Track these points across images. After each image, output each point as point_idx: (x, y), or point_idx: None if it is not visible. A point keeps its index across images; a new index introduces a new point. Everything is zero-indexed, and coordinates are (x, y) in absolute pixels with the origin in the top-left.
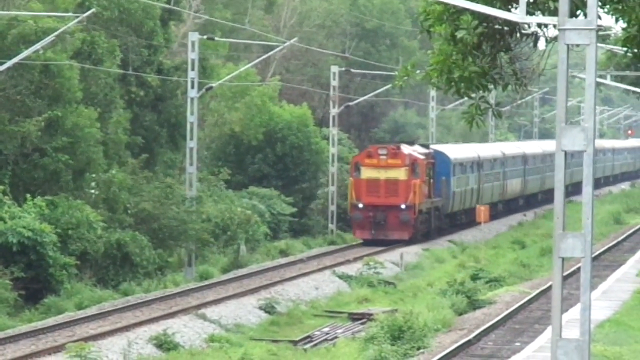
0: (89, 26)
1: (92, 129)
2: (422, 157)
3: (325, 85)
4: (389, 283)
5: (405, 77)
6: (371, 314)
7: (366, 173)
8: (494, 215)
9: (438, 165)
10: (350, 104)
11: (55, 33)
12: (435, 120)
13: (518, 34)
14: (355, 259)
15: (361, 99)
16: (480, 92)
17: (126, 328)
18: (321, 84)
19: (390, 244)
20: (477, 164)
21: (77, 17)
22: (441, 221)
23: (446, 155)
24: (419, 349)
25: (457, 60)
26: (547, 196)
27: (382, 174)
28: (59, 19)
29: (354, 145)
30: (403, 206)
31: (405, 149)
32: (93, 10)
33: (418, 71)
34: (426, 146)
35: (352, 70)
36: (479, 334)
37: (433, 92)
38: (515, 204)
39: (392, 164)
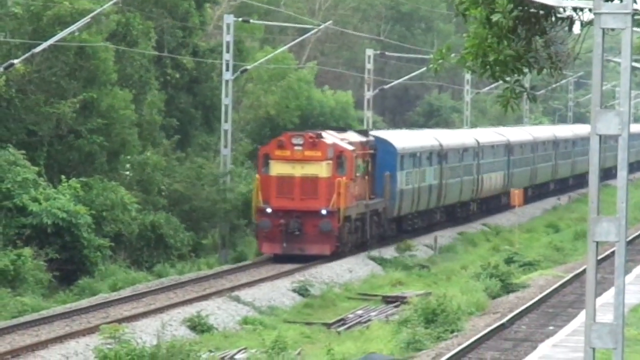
0: (124, 8)
1: (127, 111)
2: (351, 147)
3: (360, 69)
4: (422, 266)
5: (440, 61)
6: (405, 297)
7: (276, 168)
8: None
9: (380, 157)
10: (385, 87)
11: (91, 15)
12: (470, 104)
13: (553, 18)
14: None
15: (396, 82)
16: (515, 75)
17: (160, 310)
18: (356, 67)
19: (308, 260)
20: (439, 155)
21: None
22: (382, 228)
23: (391, 145)
24: (452, 332)
25: (492, 44)
26: (536, 192)
27: (297, 170)
28: (94, 0)
29: (389, 128)
30: (324, 211)
31: (329, 137)
32: None
33: (453, 54)
34: (364, 133)
35: (387, 53)
36: (513, 317)
37: (468, 76)
38: (497, 202)
39: (310, 156)
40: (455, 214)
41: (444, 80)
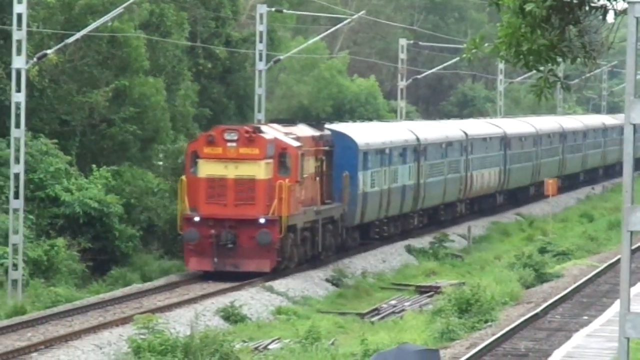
0: None
1: (158, 97)
2: (297, 143)
3: (393, 58)
4: (456, 256)
5: (474, 50)
6: (438, 287)
7: (206, 169)
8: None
9: (338, 155)
10: (419, 76)
11: (124, 5)
12: (503, 94)
13: (587, 7)
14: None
15: (429, 71)
16: (549, 65)
17: (193, 300)
18: (389, 57)
19: (245, 278)
20: (415, 151)
21: None
22: (340, 238)
23: (351, 140)
24: (486, 322)
25: (526, 33)
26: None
27: (231, 171)
28: None
29: (422, 118)
30: (262, 220)
31: (271, 131)
32: None
33: (486, 44)
34: (318, 126)
35: (420, 43)
36: (547, 307)
37: (501, 65)
38: (493, 200)
39: (245, 154)
40: (437, 218)
41: (478, 69)
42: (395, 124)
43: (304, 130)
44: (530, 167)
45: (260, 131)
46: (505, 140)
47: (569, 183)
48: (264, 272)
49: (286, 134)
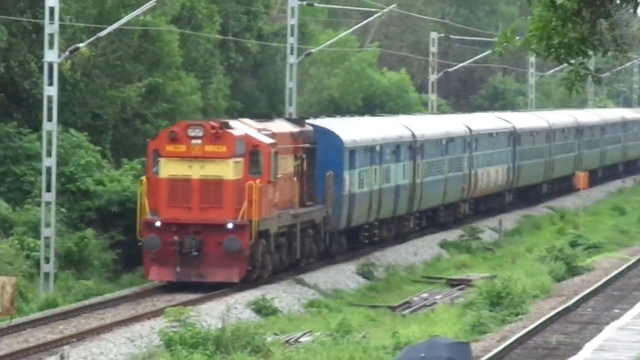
0: None
1: (193, 97)
2: (270, 140)
3: (424, 52)
4: (487, 249)
5: (505, 44)
6: (470, 280)
7: (168, 169)
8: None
9: (322, 153)
10: (449, 70)
11: None
12: (534, 87)
13: (618, 0)
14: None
15: (460, 65)
16: (580, 58)
17: (225, 293)
18: (420, 50)
19: (212, 290)
20: (410, 148)
21: None
22: (323, 244)
23: (336, 136)
24: (517, 315)
25: (557, 27)
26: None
27: (195, 171)
28: None
29: (453, 111)
30: (230, 225)
31: (241, 127)
32: None
33: (517, 37)
34: (298, 121)
35: (451, 36)
36: (578, 300)
37: (532, 59)
38: (501, 200)
39: (212, 153)
40: (437, 219)
41: (509, 63)
42: (388, 118)
43: (281, 125)
44: (543, 164)
45: (228, 127)
46: (514, 136)
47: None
48: (232, 282)
49: (259, 130)
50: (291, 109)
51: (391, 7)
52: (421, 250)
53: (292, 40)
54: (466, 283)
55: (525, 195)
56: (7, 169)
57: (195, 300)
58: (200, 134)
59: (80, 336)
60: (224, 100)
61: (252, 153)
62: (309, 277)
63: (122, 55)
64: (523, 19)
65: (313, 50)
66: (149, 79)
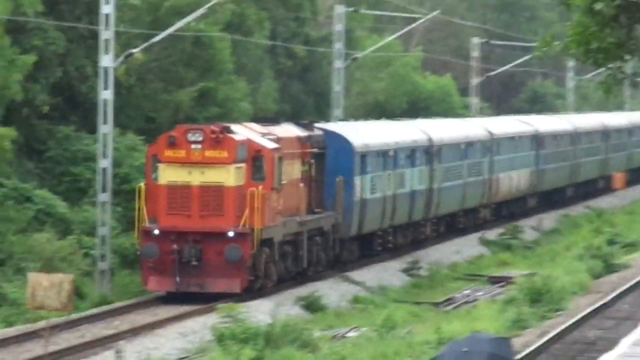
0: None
1: (244, 103)
2: (274, 145)
3: (466, 56)
4: (527, 247)
5: (545, 48)
6: (510, 278)
7: (167, 175)
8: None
9: (331, 158)
10: (491, 74)
11: (207, 5)
12: (573, 90)
13: None
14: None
15: (501, 69)
16: (617, 62)
17: (275, 290)
18: (462, 55)
19: (213, 300)
20: (427, 153)
21: None
22: (332, 251)
23: (346, 141)
24: (556, 311)
25: (595, 32)
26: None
27: (196, 177)
28: None
29: (494, 114)
30: (231, 233)
31: (244, 131)
32: None
33: (557, 42)
34: (307, 126)
35: (492, 41)
36: (615, 297)
37: (571, 63)
38: (523, 204)
39: (212, 158)
40: (455, 225)
41: (548, 67)
42: (404, 123)
43: (288, 130)
44: (568, 167)
45: (230, 131)
46: (537, 139)
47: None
48: (233, 292)
49: (263, 134)
50: (338, 112)
51: (434, 13)
52: (463, 248)
53: (338, 45)
54: (507, 280)
55: (549, 199)
56: (65, 169)
57: (245, 298)
58: (200, 138)
59: (135, 331)
60: (273, 104)
61: (255, 158)
62: (355, 275)
63: (175, 60)
64: (562, 24)
65: (359, 55)
66: (201, 83)
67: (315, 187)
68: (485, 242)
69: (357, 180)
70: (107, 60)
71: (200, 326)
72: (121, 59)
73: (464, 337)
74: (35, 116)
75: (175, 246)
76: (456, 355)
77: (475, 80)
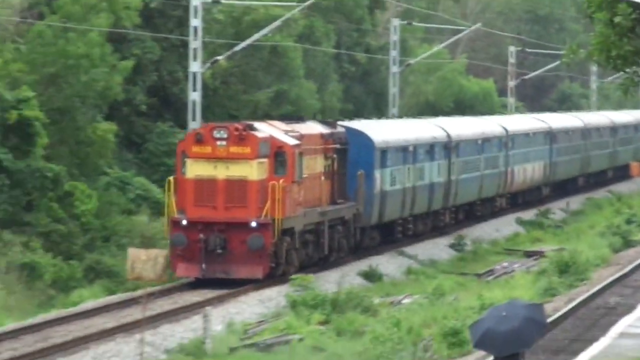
0: (309, 13)
1: (312, 101)
2: (296, 141)
3: (504, 62)
4: (557, 226)
5: (572, 55)
6: (542, 252)
7: (194, 169)
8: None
9: (353, 153)
10: (525, 77)
11: (282, 19)
12: (596, 91)
13: None
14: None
15: (534, 73)
16: (634, 67)
17: (340, 262)
18: (501, 61)
19: (238, 285)
20: (445, 148)
21: (300, 5)
22: (354, 239)
23: (367, 137)
24: (582, 280)
25: (615, 41)
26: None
27: (221, 171)
28: (284, 7)
29: (528, 112)
30: (253, 224)
31: (267, 128)
32: (313, 0)
33: (582, 50)
34: (330, 124)
35: (527, 49)
36: (633, 268)
37: (594, 68)
38: (538, 193)
39: (236, 154)
40: (473, 213)
41: (574, 71)
42: (424, 120)
43: (310, 127)
44: (579, 160)
45: (253, 129)
46: (550, 135)
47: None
48: (256, 278)
49: (286, 131)
50: (394, 110)
51: (477, 26)
52: (502, 227)
53: (394, 53)
54: (539, 254)
55: (563, 188)
56: (160, 160)
57: (315, 269)
58: (225, 135)
59: (220, 299)
60: (337, 103)
61: (277, 154)
62: (409, 249)
63: (254, 66)
64: (586, 35)
65: (412, 62)
66: (276, 86)
67: (338, 180)
68: (520, 222)
69: (377, 174)
70: (195, 66)
71: (276, 294)
72: (208, 65)
73: (503, 303)
74: (134, 114)
75: (201, 235)
76: (496, 319)
77: (511, 83)
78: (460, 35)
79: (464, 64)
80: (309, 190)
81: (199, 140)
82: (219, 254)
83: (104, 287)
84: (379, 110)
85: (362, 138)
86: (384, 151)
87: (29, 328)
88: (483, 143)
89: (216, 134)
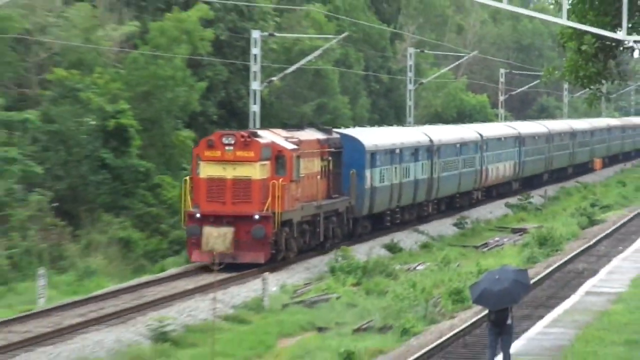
0: (344, 44)
1: (346, 111)
2: (293, 146)
3: (496, 81)
4: (537, 209)
5: (549, 76)
6: (526, 229)
7: (206, 170)
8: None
9: (347, 156)
10: (512, 93)
11: (322, 48)
12: (567, 104)
13: (621, 48)
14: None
15: (519, 90)
16: (597, 85)
17: (369, 238)
18: (494, 80)
19: (243, 269)
20: (428, 150)
21: (337, 38)
22: (347, 227)
23: (359, 142)
24: (556, 250)
25: (582, 65)
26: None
27: (229, 172)
28: (325, 39)
29: (515, 119)
30: (257, 216)
31: (268, 135)
32: (347, 33)
33: (557, 72)
34: (326, 130)
35: (514, 71)
36: (596, 241)
37: (566, 85)
38: (509, 187)
39: (242, 157)
40: (453, 204)
41: (551, 88)
42: (411, 128)
43: (309, 134)
44: (543, 160)
45: (256, 136)
46: (519, 139)
47: (580, 170)
48: (259, 263)
49: (286, 138)
50: (410, 119)
51: (474, 53)
52: (494, 210)
53: (410, 74)
54: (524, 231)
55: (530, 183)
56: None
57: (349, 243)
58: (232, 141)
59: (275, 268)
60: (366, 114)
61: (277, 157)
62: (423, 227)
63: (301, 85)
64: (560, 59)
65: (424, 81)
66: (318, 100)
67: (333, 179)
68: (509, 206)
69: (368, 173)
70: (255, 85)
71: (319, 262)
72: (265, 84)
73: (496, 269)
74: (208, 122)
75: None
76: (490, 281)
77: (502, 98)
78: (461, 60)
79: (465, 83)
80: (306, 188)
81: (211, 145)
82: None
83: (184, 257)
84: (399, 119)
85: (354, 143)
86: (373, 153)
87: (126, 289)
88: (461, 146)
89: (225, 141)
